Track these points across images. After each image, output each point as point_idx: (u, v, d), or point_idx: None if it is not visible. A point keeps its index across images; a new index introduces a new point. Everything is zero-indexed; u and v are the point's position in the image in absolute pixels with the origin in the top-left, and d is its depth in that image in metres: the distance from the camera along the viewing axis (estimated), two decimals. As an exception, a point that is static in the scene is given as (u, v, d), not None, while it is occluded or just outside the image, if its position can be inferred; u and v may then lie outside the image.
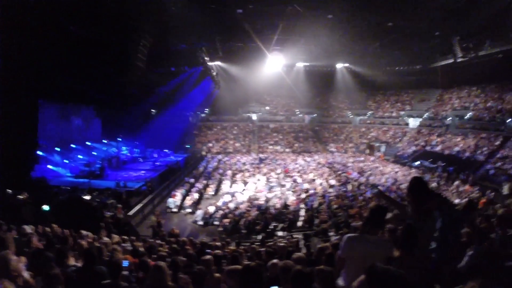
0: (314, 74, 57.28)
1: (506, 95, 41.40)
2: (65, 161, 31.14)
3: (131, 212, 19.56)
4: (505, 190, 25.49)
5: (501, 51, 38.94)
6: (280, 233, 17.24)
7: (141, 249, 9.02)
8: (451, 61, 45.17)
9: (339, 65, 56.11)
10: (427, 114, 51.10)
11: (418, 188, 4.55)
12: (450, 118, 45.71)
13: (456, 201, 22.63)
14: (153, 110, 50.28)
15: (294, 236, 16.19)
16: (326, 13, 31.93)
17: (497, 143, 35.49)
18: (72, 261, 6.15)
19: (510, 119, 36.86)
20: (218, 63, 48.44)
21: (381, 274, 2.21)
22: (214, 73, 48.32)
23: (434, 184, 28.70)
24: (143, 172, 32.33)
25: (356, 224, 14.47)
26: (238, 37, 38.42)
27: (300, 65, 53.93)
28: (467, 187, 27.23)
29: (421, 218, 4.30)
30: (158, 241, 12.06)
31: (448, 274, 4.34)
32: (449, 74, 50.48)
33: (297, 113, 61.51)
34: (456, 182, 28.98)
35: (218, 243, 12.16)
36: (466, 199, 16.70)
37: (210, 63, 45.28)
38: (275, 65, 49.05)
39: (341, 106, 63.04)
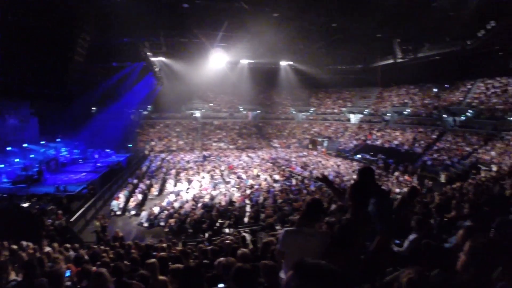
0: (258, 71, 57.49)
1: (441, 93, 45.11)
2: (0, 165, 29.33)
3: (73, 218, 18.60)
4: (442, 178, 28.26)
5: (439, 53, 42.06)
6: (227, 230, 17.23)
7: (86, 256, 8.79)
8: (391, 61, 47.75)
9: (283, 63, 56.66)
10: (367, 110, 53.58)
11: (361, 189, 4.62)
12: (390, 114, 48.51)
13: (397, 190, 24.32)
14: (94, 108, 48.47)
15: (241, 232, 15.73)
16: (272, 11, 32.13)
17: (434, 136, 38.88)
18: (12, 276, 5.92)
19: (446, 115, 39.81)
20: (161, 58, 47.13)
21: (310, 268, 2.27)
22: (157, 69, 47.16)
23: (375, 176, 29.82)
24: (83, 174, 31.04)
25: (293, 217, 14.82)
26: (183, 32, 37.73)
27: (244, 62, 54.01)
28: (406, 177, 29.77)
29: (360, 217, 4.34)
30: (103, 247, 11.71)
31: (384, 264, 4.58)
32: (389, 73, 52.96)
33: (240, 110, 61.76)
34: (396, 173, 31.33)
35: (164, 245, 11.73)
36: (410, 186, 17.50)
37: (153, 59, 44.24)
38: (219, 62, 48.50)
39: (285, 103, 64.16)
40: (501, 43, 37.56)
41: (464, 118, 38.73)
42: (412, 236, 6.02)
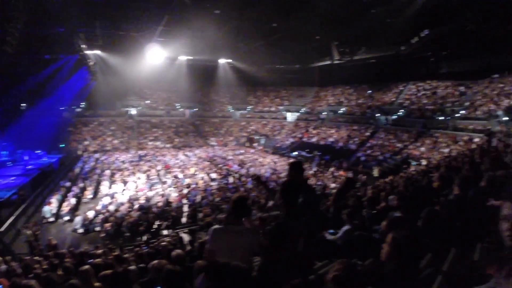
0: (196, 68, 57.02)
1: (375, 94, 48.46)
2: None
3: (2, 228, 17.18)
4: (375, 173, 30.26)
5: (374, 57, 45.72)
6: (165, 232, 17.20)
7: (18, 269, 8.63)
8: (328, 62, 50.38)
9: (222, 61, 56.84)
10: (304, 109, 55.45)
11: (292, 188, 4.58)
12: (325, 112, 50.70)
13: (332, 185, 25.45)
14: (23, 104, 44.97)
15: (179, 233, 15.73)
16: (214, 8, 32.12)
17: (367, 134, 41.46)
18: None
19: (378, 114, 42.72)
20: (97, 52, 45.09)
21: (220, 270, 2.55)
22: (92, 63, 44.24)
23: (311, 172, 31.78)
24: (13, 178, 28.77)
25: (220, 216, 15.16)
26: (121, 24, 36.29)
27: (183, 58, 53.37)
28: (341, 172, 31.47)
29: (292, 216, 4.32)
30: (36, 258, 11.17)
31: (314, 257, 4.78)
32: (326, 74, 55.82)
33: (178, 107, 60.72)
34: (331, 169, 33.01)
35: (100, 251, 11.57)
36: (346, 177, 18.37)
37: (88, 52, 41.83)
38: (157, 57, 47.73)
39: (222, 101, 64.43)
40: (432, 50, 42.07)
41: (396, 117, 41.58)
42: (345, 227, 6.38)
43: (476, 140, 27.74)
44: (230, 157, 40.94)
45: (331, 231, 6.70)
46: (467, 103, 36.70)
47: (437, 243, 4.37)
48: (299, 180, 5.06)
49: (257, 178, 8.13)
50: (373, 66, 48.01)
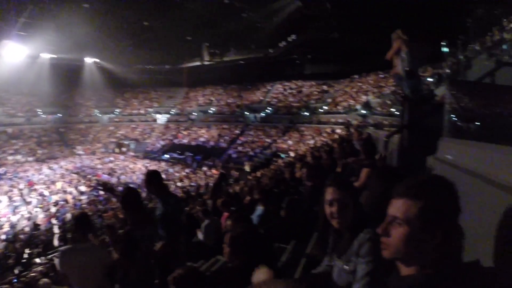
0: (60, 68, 53.79)
1: (244, 93, 53.14)
2: None
3: None
4: (247, 168, 33.59)
5: (243, 58, 51.14)
6: (37, 260, 15.78)
7: None
8: (198, 63, 54.35)
9: (89, 60, 55.68)
10: (174, 110, 57.03)
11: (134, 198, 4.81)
12: (195, 113, 53.65)
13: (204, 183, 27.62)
14: None
15: (54, 258, 14.44)
16: (83, 1, 32.06)
17: (237, 132, 45.82)
18: None
19: (247, 113, 47.57)
20: None
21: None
22: None
23: (183, 173, 34.05)
24: None
25: (69, 235, 14.75)
26: None
27: (46, 56, 50.27)
28: (214, 171, 34.04)
29: (141, 224, 4.50)
30: None
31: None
32: (196, 74, 59.38)
33: (39, 113, 54.98)
34: (204, 168, 35.62)
35: None
36: (219, 172, 19.30)
37: None
38: (16, 55, 44.82)
39: (88, 104, 61.21)
40: (298, 53, 48.79)
41: (264, 114, 46.87)
42: (205, 223, 7.27)
43: (338, 131, 31.26)
44: (99, 166, 40.04)
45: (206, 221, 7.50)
46: (329, 100, 43.10)
47: (298, 230, 4.94)
48: (157, 189, 5.10)
49: (103, 185, 8.56)
50: (242, 67, 52.94)
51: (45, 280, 6.45)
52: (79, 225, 4.45)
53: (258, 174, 21.28)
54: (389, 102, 30.41)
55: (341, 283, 2.48)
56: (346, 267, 2.41)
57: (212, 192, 8.16)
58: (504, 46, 13.20)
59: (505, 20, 14.56)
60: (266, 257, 2.85)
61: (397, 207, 1.48)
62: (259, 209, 6.63)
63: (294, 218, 5.37)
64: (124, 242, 4.44)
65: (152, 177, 5.06)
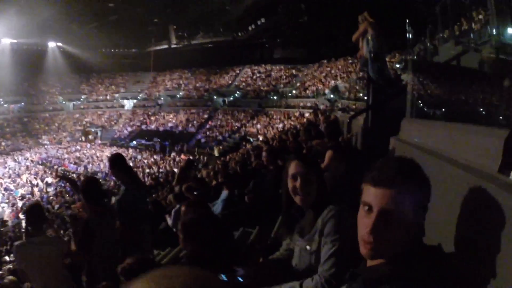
0: (22, 53, 51.95)
1: (213, 77, 52.70)
2: None
3: None
4: (216, 152, 33.66)
5: (212, 41, 50.76)
6: (7, 258, 14.67)
7: None
8: (165, 46, 53.86)
9: (52, 44, 54.39)
10: (141, 95, 56.35)
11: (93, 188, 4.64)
12: (163, 98, 53.17)
13: (175, 169, 26.28)
14: None
15: None
16: None
17: (205, 116, 45.87)
18: None
19: (216, 97, 47.43)
20: None
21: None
22: None
23: (152, 160, 34.09)
24: None
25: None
26: None
27: (6, 42, 48.91)
28: (182, 156, 34.05)
29: (98, 215, 4.37)
30: None
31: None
32: (163, 58, 57.73)
33: (1, 103, 53.63)
34: (173, 154, 35.62)
35: None
36: (186, 158, 19.24)
37: None
38: None
39: (52, 92, 59.11)
40: (267, 37, 48.68)
41: (232, 98, 46.88)
42: (176, 207, 6.96)
43: (307, 115, 31.48)
44: (65, 156, 39.45)
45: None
46: (298, 84, 43.55)
47: (263, 214, 4.91)
48: (121, 174, 5.04)
49: (63, 177, 8.36)
50: (210, 50, 52.55)
51: (11, 278, 6.17)
52: (31, 217, 4.32)
53: (227, 158, 21.29)
54: (357, 87, 30.81)
55: (302, 265, 2.41)
56: (308, 247, 2.34)
57: (178, 178, 8.02)
58: (472, 35, 13.36)
59: (474, 11, 14.73)
60: (223, 242, 2.75)
61: (377, 196, 1.39)
62: (224, 193, 6.53)
63: (258, 202, 5.39)
64: (80, 233, 4.31)
65: (115, 160, 5.00)
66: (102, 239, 4.28)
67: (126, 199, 4.82)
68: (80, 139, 50.18)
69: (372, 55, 6.60)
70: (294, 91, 41.98)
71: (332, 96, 34.98)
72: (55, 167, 34.52)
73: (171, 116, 48.96)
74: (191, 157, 29.23)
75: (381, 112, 6.10)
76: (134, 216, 4.80)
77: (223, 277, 2.26)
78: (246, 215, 5.43)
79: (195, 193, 6.65)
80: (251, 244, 4.18)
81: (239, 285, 2.36)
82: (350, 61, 38.75)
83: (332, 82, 38.32)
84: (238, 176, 7.72)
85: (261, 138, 30.67)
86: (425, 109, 4.66)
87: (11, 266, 11.28)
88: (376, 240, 1.38)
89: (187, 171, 8.54)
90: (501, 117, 4.62)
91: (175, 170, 27.10)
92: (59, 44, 53.64)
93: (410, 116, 4.21)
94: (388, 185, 1.36)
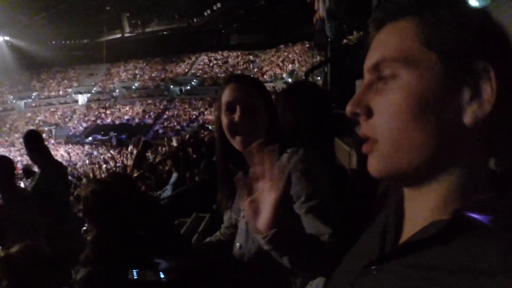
0: None
1: (169, 66, 51.95)
2: None
3: None
4: (174, 142, 31.25)
5: (167, 29, 50.33)
6: None
7: None
8: (118, 36, 53.01)
9: (-1, 39, 51.74)
10: (95, 88, 54.53)
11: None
12: (118, 90, 51.88)
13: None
14: None
15: None
16: None
17: (162, 106, 45.37)
18: None
19: (172, 86, 46.93)
20: None
21: None
22: None
23: (108, 155, 32.89)
24: None
25: None
26: None
27: None
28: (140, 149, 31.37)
29: (15, 202, 4.03)
30: None
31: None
32: (117, 48, 56.19)
33: None
34: (130, 147, 33.96)
35: None
36: (142, 140, 18.77)
37: None
38: None
39: (2, 90, 56.85)
40: (224, 22, 48.38)
41: (189, 87, 46.35)
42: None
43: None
44: (18, 159, 37.47)
45: None
46: (255, 70, 43.33)
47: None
48: (36, 155, 4.46)
49: None
50: (165, 38, 52.03)
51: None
52: None
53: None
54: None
55: (251, 247, 1.62)
56: None
57: (134, 162, 7.52)
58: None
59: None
60: (143, 229, 2.19)
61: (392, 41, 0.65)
62: (174, 176, 6.28)
63: (210, 181, 4.74)
64: None
65: (29, 139, 4.32)
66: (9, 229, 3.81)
67: (38, 184, 4.26)
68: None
69: (328, 13, 6.25)
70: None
71: (289, 80, 34.77)
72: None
73: (127, 108, 47.99)
74: (146, 139, 28.66)
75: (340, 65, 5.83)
76: (49, 204, 4.20)
77: (134, 273, 1.76)
78: (195, 197, 5.04)
79: (148, 181, 6.39)
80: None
81: (159, 283, 1.75)
82: (308, 45, 38.38)
83: (290, 66, 38.77)
84: (187, 158, 7.41)
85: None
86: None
87: None
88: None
89: (144, 153, 8.17)
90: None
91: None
92: (6, 38, 52.14)
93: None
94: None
